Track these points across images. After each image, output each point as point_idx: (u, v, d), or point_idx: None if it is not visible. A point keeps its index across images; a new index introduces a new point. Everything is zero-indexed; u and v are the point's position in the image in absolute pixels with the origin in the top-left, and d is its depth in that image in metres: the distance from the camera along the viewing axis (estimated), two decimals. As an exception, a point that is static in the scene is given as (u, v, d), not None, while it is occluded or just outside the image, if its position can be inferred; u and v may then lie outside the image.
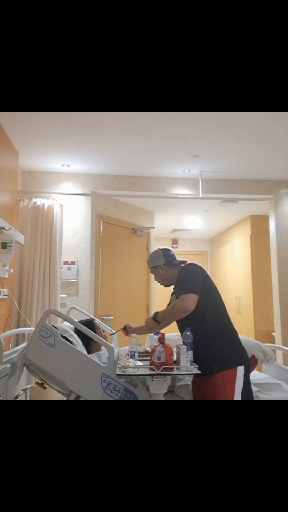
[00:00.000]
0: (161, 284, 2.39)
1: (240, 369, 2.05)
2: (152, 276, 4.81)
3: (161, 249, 2.37)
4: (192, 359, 2.01)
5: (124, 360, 2.23)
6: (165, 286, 2.38)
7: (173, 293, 2.32)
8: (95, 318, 3.11)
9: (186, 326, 2.11)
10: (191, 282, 2.13)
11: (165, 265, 2.31)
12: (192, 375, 2.22)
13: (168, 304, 2.38)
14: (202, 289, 2.13)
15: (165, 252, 2.34)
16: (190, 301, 2.06)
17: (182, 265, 2.33)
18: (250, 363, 2.16)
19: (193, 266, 2.27)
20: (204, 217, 5.55)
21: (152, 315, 2.24)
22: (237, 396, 2.02)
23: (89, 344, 2.74)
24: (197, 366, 1.99)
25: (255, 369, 2.81)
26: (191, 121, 2.86)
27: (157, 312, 2.20)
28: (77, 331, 2.64)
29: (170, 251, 2.37)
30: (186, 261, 2.36)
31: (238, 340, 2.17)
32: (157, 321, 2.19)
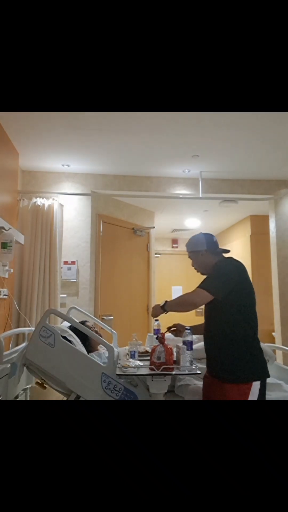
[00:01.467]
0: (197, 271, 2.21)
1: (256, 385, 1.89)
2: (152, 276, 4.85)
3: (204, 234, 2.21)
4: (192, 359, 2.01)
5: (124, 360, 2.23)
6: (202, 273, 2.18)
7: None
8: (92, 316, 3.11)
9: (211, 320, 2.03)
10: (216, 280, 1.98)
11: (206, 251, 2.13)
12: (196, 374, 2.17)
13: None
14: (234, 291, 1.96)
15: (208, 238, 2.18)
16: (201, 297, 1.95)
17: (225, 254, 2.17)
18: (266, 378, 1.97)
19: (230, 263, 2.07)
20: (204, 217, 5.54)
21: (162, 302, 2.12)
22: None
23: (86, 344, 2.74)
24: (197, 366, 1.98)
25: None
26: (191, 121, 2.86)
27: (167, 301, 2.11)
28: (75, 331, 2.64)
29: (213, 237, 2.20)
30: (229, 251, 2.20)
31: (259, 353, 1.98)
32: (165, 310, 2.10)
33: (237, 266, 2.04)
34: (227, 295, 1.95)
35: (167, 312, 2.10)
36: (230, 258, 2.12)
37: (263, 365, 1.96)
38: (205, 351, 2.08)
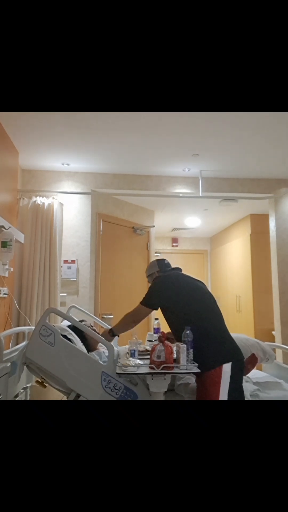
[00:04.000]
0: None
1: (226, 367, 2.07)
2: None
3: (157, 259, 2.52)
4: (192, 358, 2.02)
5: (124, 358, 2.23)
6: None
7: None
8: (92, 315, 3.12)
9: (172, 327, 2.27)
10: (148, 295, 2.30)
11: (158, 272, 2.45)
12: (192, 374, 2.24)
13: None
14: (174, 300, 2.23)
15: (160, 262, 2.50)
16: (140, 312, 2.30)
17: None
18: (240, 359, 2.17)
19: (162, 280, 2.33)
20: (204, 216, 5.55)
21: (109, 329, 2.43)
22: (223, 395, 2.04)
23: (86, 343, 2.74)
24: (196, 364, 1.99)
25: (255, 367, 2.81)
26: (191, 120, 2.86)
27: (113, 327, 2.41)
28: (74, 330, 2.64)
29: (164, 260, 2.52)
30: (180, 268, 2.47)
31: (226, 338, 2.19)
32: (114, 335, 2.38)
33: (168, 282, 2.30)
34: (173, 303, 2.23)
35: (117, 335, 2.41)
36: (166, 275, 2.38)
37: (229, 348, 2.16)
38: None
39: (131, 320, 2.33)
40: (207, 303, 2.27)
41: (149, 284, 2.47)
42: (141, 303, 2.30)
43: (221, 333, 2.20)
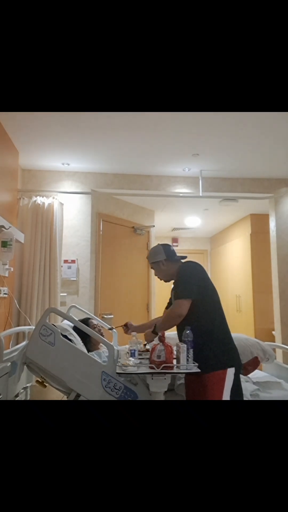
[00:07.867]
0: (160, 279, 2.38)
1: (230, 371, 2.07)
2: (153, 274, 4.84)
3: (161, 245, 2.37)
4: (193, 358, 2.01)
5: (124, 358, 2.23)
6: (166, 281, 2.37)
7: (172, 289, 2.32)
8: (93, 316, 3.12)
9: (180, 325, 2.16)
10: (186, 285, 2.16)
11: (166, 260, 2.31)
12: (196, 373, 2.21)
13: (169, 301, 2.43)
14: (201, 288, 2.15)
15: (166, 248, 2.34)
16: (183, 307, 2.11)
17: (182, 260, 2.33)
18: (241, 366, 2.18)
19: (192, 265, 2.26)
20: (204, 215, 5.55)
21: (152, 327, 2.25)
22: (226, 397, 2.04)
23: (87, 342, 2.74)
24: (197, 364, 1.99)
25: (255, 368, 2.81)
26: (191, 119, 2.86)
27: (156, 324, 2.24)
28: (76, 330, 2.64)
29: (170, 246, 2.37)
30: (186, 257, 2.37)
31: (230, 342, 2.17)
32: (156, 333, 2.20)
33: (197, 267, 2.25)
34: (201, 293, 2.14)
35: (159, 334, 2.20)
36: (189, 261, 2.31)
37: (233, 353, 2.16)
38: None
39: (177, 315, 2.13)
40: (219, 300, 2.24)
41: (153, 272, 2.37)
42: (180, 298, 2.13)
43: (229, 336, 2.19)
